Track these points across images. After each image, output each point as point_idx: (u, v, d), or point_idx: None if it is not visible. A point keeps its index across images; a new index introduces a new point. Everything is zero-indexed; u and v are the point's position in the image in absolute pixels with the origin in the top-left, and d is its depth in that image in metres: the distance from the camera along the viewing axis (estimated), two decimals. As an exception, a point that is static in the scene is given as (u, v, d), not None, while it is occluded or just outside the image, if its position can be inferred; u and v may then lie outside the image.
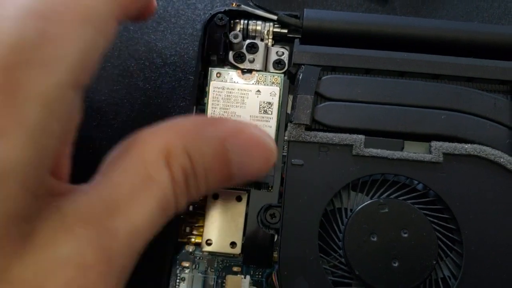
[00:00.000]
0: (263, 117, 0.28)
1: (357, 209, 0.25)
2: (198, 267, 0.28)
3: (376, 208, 0.25)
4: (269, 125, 0.28)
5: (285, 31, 0.30)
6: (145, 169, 0.19)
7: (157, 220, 0.19)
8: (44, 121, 0.15)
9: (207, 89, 0.29)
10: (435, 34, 0.29)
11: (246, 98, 0.28)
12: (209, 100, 0.28)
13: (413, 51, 0.28)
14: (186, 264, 0.28)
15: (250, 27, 0.30)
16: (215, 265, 0.28)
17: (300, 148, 0.26)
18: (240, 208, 0.27)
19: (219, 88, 0.28)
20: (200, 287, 0.27)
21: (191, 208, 0.28)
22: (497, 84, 0.28)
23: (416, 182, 0.26)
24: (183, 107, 0.28)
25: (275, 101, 0.28)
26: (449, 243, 0.25)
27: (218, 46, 0.29)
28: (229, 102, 0.28)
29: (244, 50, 0.29)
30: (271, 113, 0.28)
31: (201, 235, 0.27)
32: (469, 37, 0.28)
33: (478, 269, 0.24)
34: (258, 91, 0.28)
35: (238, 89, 0.28)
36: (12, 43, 0.15)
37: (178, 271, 0.28)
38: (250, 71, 0.29)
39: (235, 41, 0.29)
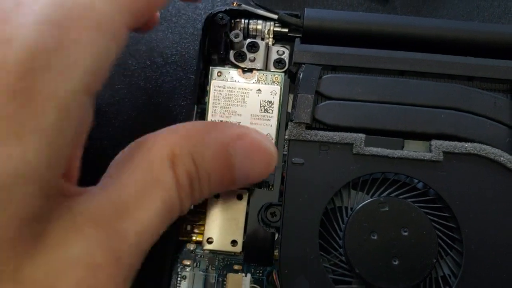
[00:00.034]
0: (263, 116, 0.28)
1: (358, 207, 0.25)
2: (199, 265, 0.28)
3: (377, 207, 0.25)
4: (270, 124, 0.28)
5: (286, 30, 0.30)
6: (151, 172, 0.20)
7: (163, 221, 0.20)
8: (59, 125, 0.15)
9: (208, 88, 0.29)
10: (435, 33, 0.29)
11: (246, 97, 0.28)
12: (210, 99, 0.28)
13: (414, 51, 0.28)
14: (187, 262, 0.28)
15: (250, 26, 0.30)
16: (216, 263, 0.28)
17: (300, 147, 0.26)
18: (241, 207, 0.27)
19: (220, 87, 0.28)
20: (201, 285, 0.28)
21: (192, 206, 0.28)
22: (497, 83, 0.28)
23: (416, 180, 0.26)
24: (184, 106, 0.28)
25: (276, 100, 0.28)
26: (449, 242, 0.25)
27: (219, 45, 0.29)
28: (230, 101, 0.28)
29: (244, 49, 0.29)
30: (272, 112, 0.28)
31: (202, 234, 0.27)
32: (469, 36, 0.29)
33: (478, 267, 0.24)
34: (259, 90, 0.28)
35: (239, 88, 0.28)
36: (30, 50, 0.15)
37: (179, 269, 0.28)
38: (250, 70, 0.29)
39: (236, 40, 0.29)
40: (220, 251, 0.27)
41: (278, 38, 0.30)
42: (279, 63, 0.30)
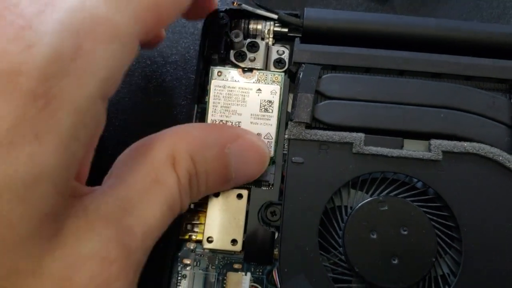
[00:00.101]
0: (263, 116, 0.28)
1: (357, 206, 0.25)
2: (199, 264, 0.28)
3: (376, 206, 0.25)
4: (270, 124, 0.28)
5: (286, 30, 0.30)
6: (154, 172, 0.21)
7: (166, 219, 0.21)
8: (75, 129, 0.16)
9: (208, 88, 0.29)
10: (434, 33, 0.29)
11: (247, 96, 0.28)
12: (210, 99, 0.28)
13: (413, 50, 0.28)
14: (187, 261, 0.28)
15: (251, 26, 0.30)
16: (216, 262, 0.28)
17: (300, 146, 0.26)
18: (240, 206, 0.27)
19: (220, 86, 0.29)
20: (201, 284, 0.28)
21: (192, 206, 0.28)
22: (496, 83, 0.28)
23: (415, 180, 0.26)
24: (184, 106, 0.28)
25: (276, 99, 0.28)
26: (448, 241, 0.25)
27: (219, 45, 0.29)
28: (230, 101, 0.28)
29: (245, 49, 0.30)
30: (272, 112, 0.28)
31: (202, 233, 0.27)
32: (468, 36, 0.29)
33: (477, 266, 0.25)
34: (259, 89, 0.28)
35: (239, 88, 0.29)
36: (50, 56, 0.16)
37: (179, 268, 0.28)
38: (251, 69, 0.29)
39: (236, 40, 0.29)
40: (220, 250, 0.27)
41: (278, 37, 0.30)
42: (279, 62, 0.30)
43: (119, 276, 0.18)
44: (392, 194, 0.26)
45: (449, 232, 0.25)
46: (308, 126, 0.26)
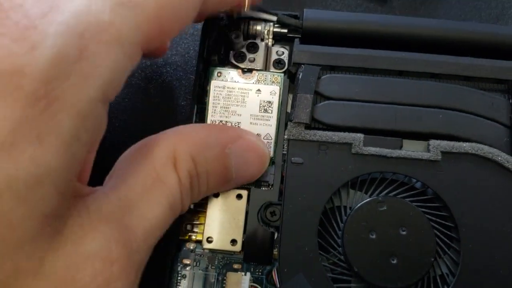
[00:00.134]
0: (263, 116, 0.28)
1: (356, 207, 0.25)
2: (199, 264, 0.28)
3: (375, 206, 0.25)
4: (269, 124, 0.28)
5: (285, 31, 0.30)
6: (155, 172, 0.21)
7: (167, 219, 0.21)
8: (76, 131, 0.16)
9: (208, 88, 0.29)
10: (433, 33, 0.29)
11: (246, 97, 0.28)
12: (210, 99, 0.28)
13: (412, 51, 0.28)
14: (187, 261, 0.28)
15: (250, 27, 0.30)
16: (216, 263, 0.28)
17: (300, 147, 0.26)
18: (240, 206, 0.27)
19: (219, 87, 0.29)
20: (201, 284, 0.28)
21: (192, 206, 0.28)
22: (494, 83, 0.28)
23: (414, 180, 0.26)
24: (184, 106, 0.29)
25: (275, 100, 0.28)
26: (447, 241, 0.25)
27: (219, 45, 0.29)
28: (229, 101, 0.28)
29: (244, 50, 0.30)
30: (271, 112, 0.28)
31: (202, 233, 0.27)
32: (467, 37, 0.29)
33: (475, 266, 0.25)
34: (259, 90, 0.29)
35: (238, 88, 0.29)
36: (54, 58, 0.16)
37: (179, 268, 0.28)
38: (250, 70, 0.29)
39: (236, 41, 0.29)
40: (220, 250, 0.27)
41: (278, 38, 0.30)
42: (278, 63, 0.30)
43: (120, 276, 0.18)
44: (391, 194, 0.26)
45: (448, 232, 0.25)
46: (308, 127, 0.27)
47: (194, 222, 0.28)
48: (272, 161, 0.28)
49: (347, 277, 0.25)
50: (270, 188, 0.28)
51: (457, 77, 0.28)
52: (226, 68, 0.29)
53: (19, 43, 0.15)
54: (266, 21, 0.30)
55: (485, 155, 0.26)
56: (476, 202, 0.25)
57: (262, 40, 0.30)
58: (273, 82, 0.29)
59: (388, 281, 0.24)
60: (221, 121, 0.28)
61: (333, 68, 0.28)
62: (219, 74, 0.29)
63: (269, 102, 0.28)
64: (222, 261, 0.28)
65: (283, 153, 0.28)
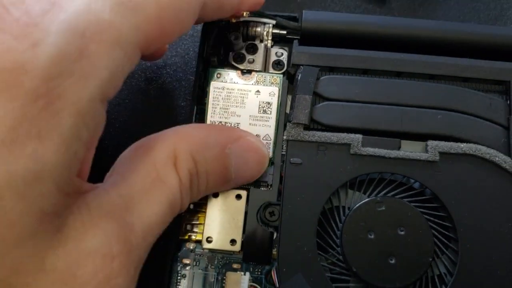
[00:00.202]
0: (262, 117, 0.28)
1: (355, 207, 0.25)
2: (199, 264, 0.28)
3: (373, 206, 0.25)
4: (268, 125, 0.28)
5: (284, 32, 0.30)
6: (156, 171, 0.21)
7: (166, 217, 0.22)
8: (76, 128, 0.17)
9: (207, 89, 0.29)
10: (432, 35, 0.29)
11: (245, 98, 0.29)
12: (209, 100, 0.29)
13: (410, 52, 0.28)
14: (187, 261, 0.28)
15: (250, 28, 0.30)
16: (215, 262, 0.28)
17: (298, 147, 0.26)
18: (240, 206, 0.28)
19: (219, 88, 0.29)
20: (200, 284, 0.28)
21: (191, 206, 0.28)
22: (492, 84, 0.28)
23: (412, 180, 0.26)
24: (184, 107, 0.29)
25: (274, 101, 0.29)
26: (445, 241, 0.25)
27: (218, 47, 0.30)
28: (229, 102, 0.29)
29: (244, 51, 0.30)
30: (270, 113, 0.28)
31: (201, 233, 0.28)
32: (465, 38, 0.29)
33: (473, 266, 0.25)
34: (258, 91, 0.29)
35: (238, 89, 0.29)
36: (55, 56, 0.16)
37: (179, 268, 0.28)
38: (249, 71, 0.30)
39: (235, 42, 0.29)
40: (219, 250, 0.27)
41: (277, 40, 0.31)
42: (277, 64, 0.30)
43: (121, 272, 0.18)
44: (389, 194, 0.26)
45: (446, 232, 0.26)
46: (306, 128, 0.27)
47: (194, 222, 0.28)
48: (271, 162, 0.28)
49: (345, 277, 0.25)
50: (269, 189, 0.28)
51: (456, 78, 0.28)
52: (226, 69, 0.30)
53: (20, 40, 0.15)
54: (265, 23, 0.30)
55: (483, 155, 0.26)
56: (474, 202, 0.25)
57: (261, 41, 0.30)
58: (272, 83, 0.29)
59: (387, 281, 0.24)
60: (220, 122, 0.28)
61: (332, 69, 0.28)
62: (218, 75, 0.29)
63: (268, 103, 0.29)
64: (222, 261, 0.28)
65: (282, 154, 0.28)
